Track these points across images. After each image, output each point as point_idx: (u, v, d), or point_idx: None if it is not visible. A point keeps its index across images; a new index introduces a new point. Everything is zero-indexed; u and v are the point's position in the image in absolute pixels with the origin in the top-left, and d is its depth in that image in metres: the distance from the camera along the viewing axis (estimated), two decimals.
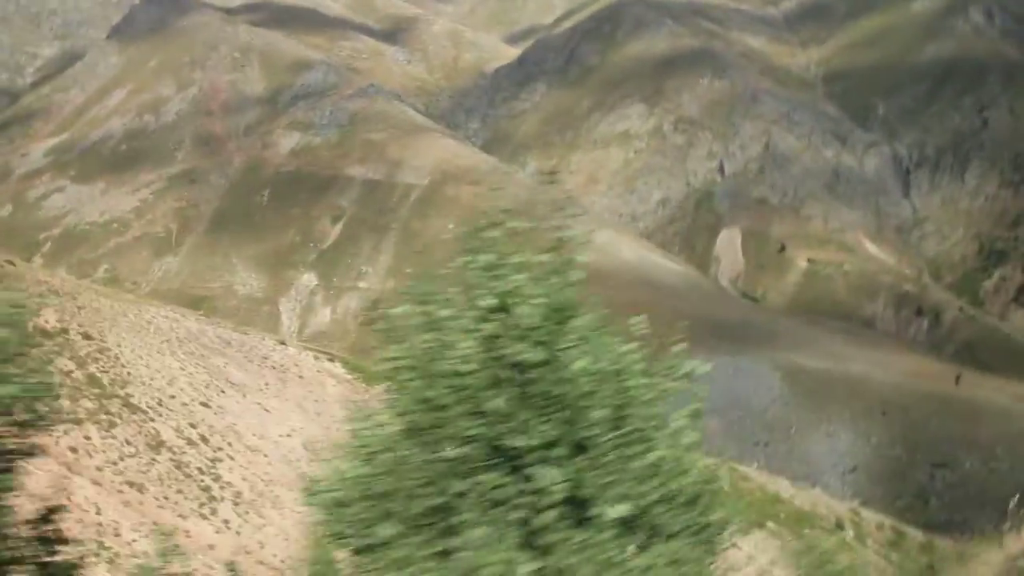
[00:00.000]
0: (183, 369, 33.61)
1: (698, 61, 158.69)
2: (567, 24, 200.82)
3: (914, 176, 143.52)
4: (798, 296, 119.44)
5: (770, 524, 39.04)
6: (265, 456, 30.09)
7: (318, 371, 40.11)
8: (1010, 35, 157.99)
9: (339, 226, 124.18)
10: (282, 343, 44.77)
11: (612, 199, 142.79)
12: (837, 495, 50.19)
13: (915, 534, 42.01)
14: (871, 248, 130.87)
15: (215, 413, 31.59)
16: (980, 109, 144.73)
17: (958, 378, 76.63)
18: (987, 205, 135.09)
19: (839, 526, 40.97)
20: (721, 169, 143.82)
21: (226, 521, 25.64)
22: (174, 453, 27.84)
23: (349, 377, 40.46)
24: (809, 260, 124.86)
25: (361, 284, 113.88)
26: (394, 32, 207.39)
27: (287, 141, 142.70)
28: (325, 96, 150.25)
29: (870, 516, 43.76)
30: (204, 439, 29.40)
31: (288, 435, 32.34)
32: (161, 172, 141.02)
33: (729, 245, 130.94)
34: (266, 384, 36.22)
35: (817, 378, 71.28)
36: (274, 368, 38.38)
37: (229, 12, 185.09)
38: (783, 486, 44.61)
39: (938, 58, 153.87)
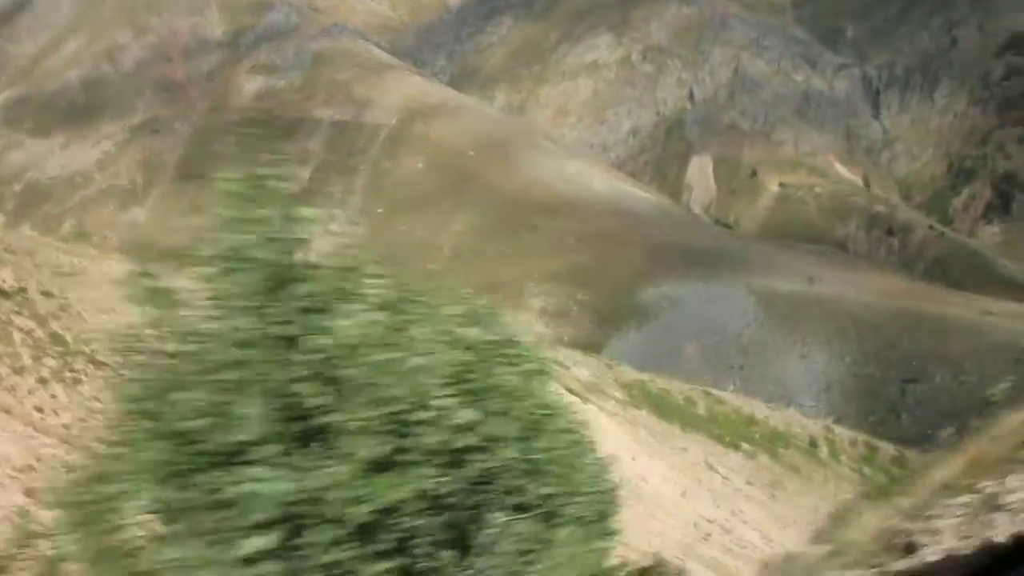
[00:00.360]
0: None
1: None
2: None
3: (884, 97, 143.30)
4: (770, 220, 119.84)
5: (745, 445, 39.61)
6: None
7: None
8: None
9: (308, 169, 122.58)
10: None
11: (582, 131, 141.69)
12: (811, 414, 50.97)
13: (887, 448, 42.83)
14: (842, 170, 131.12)
15: None
16: (949, 28, 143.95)
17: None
18: (956, 123, 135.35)
19: (813, 444, 41.67)
20: (691, 96, 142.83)
21: None
22: None
23: None
24: (781, 184, 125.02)
25: (332, 227, 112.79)
26: None
27: (251, 85, 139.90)
28: (287, 37, 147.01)
29: (843, 433, 44.55)
30: None
31: None
32: (123, 123, 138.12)
33: (700, 172, 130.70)
34: None
35: (791, 301, 71.87)
36: None
37: None
38: (758, 408, 45.24)
39: None
